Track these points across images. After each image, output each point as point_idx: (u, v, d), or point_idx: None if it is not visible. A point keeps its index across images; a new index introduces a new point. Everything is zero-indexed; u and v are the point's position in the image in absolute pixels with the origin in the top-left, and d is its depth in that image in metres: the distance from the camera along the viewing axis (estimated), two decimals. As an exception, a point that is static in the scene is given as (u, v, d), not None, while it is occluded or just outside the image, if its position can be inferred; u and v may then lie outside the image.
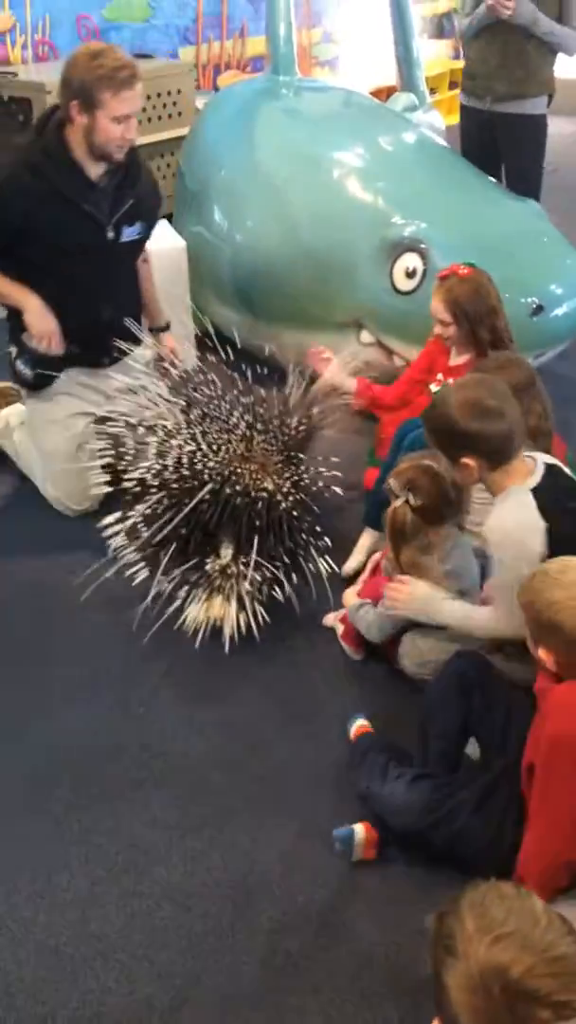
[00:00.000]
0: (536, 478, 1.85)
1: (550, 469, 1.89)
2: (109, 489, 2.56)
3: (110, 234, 2.52)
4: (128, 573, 2.25)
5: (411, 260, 2.96)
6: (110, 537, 2.29)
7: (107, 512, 2.38)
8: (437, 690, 1.87)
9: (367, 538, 2.56)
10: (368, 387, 2.66)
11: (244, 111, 3.85)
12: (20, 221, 2.40)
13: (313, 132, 3.61)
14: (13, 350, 2.65)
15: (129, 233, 2.57)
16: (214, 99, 4.29)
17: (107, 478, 2.56)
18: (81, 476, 2.65)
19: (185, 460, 2.18)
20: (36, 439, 2.77)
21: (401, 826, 1.75)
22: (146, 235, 2.70)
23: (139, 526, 2.22)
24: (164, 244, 3.54)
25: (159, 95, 4.42)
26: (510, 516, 1.84)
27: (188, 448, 2.19)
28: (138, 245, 2.70)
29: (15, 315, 2.56)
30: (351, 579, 2.47)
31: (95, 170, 2.44)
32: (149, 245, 3.48)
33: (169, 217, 4.01)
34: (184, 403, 2.31)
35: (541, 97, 3.59)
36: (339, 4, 6.77)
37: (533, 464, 1.89)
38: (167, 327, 2.84)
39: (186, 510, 2.14)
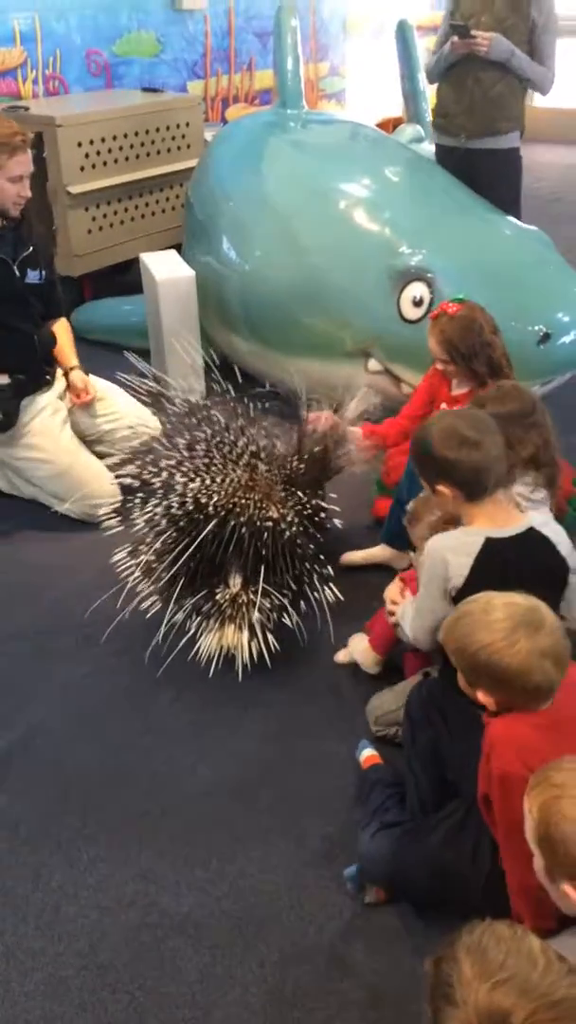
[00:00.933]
0: (506, 531, 1.82)
1: (528, 534, 1.83)
2: (125, 482, 2.57)
3: (16, 273, 2.80)
4: (140, 604, 2.26)
5: (418, 289, 2.99)
6: (122, 571, 2.30)
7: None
8: (407, 721, 1.86)
9: (379, 552, 2.58)
10: (371, 432, 2.65)
11: (252, 143, 3.90)
12: None
13: (320, 164, 3.65)
14: None
15: (31, 276, 2.85)
16: (223, 132, 4.35)
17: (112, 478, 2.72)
18: (85, 471, 2.87)
19: (190, 496, 2.18)
20: (30, 470, 2.92)
21: (370, 878, 1.74)
22: (46, 282, 2.92)
23: (151, 562, 2.24)
24: (173, 273, 3.58)
25: (168, 128, 4.49)
26: (444, 540, 1.84)
27: (192, 485, 2.19)
28: (41, 291, 2.91)
29: None
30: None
31: None
32: (158, 274, 3.55)
33: (178, 247, 4.06)
34: (187, 440, 2.33)
35: (513, 132, 3.60)
36: (345, 38, 6.88)
37: (518, 519, 1.85)
38: (75, 368, 3.03)
39: (192, 547, 2.15)
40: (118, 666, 2.34)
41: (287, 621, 2.21)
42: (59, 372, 3.02)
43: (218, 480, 2.21)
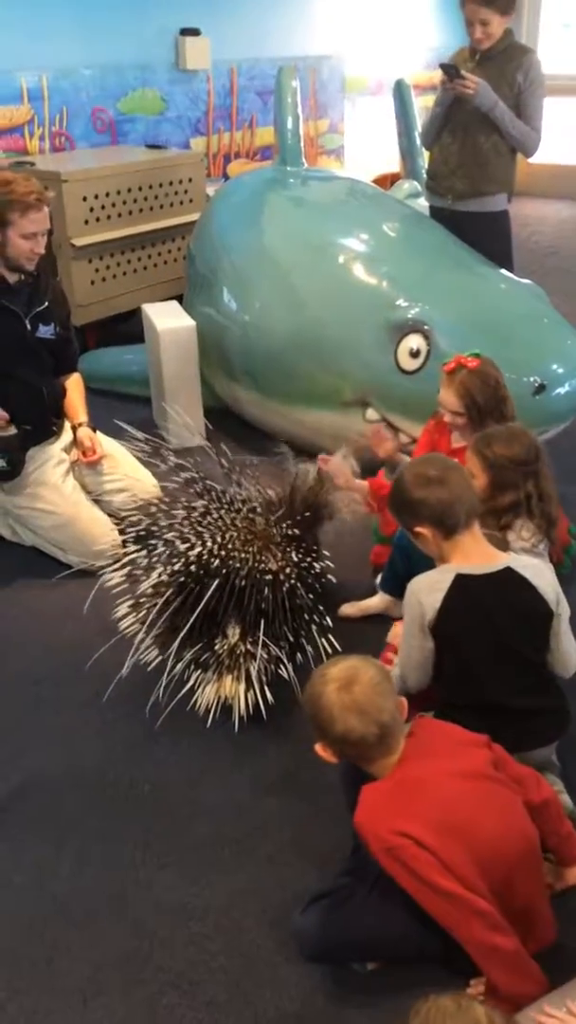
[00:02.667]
0: (480, 569, 1.86)
1: (504, 573, 1.87)
2: (121, 527, 2.69)
3: (28, 327, 2.84)
4: (140, 655, 2.26)
5: (415, 341, 3.04)
6: (123, 625, 2.31)
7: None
8: (340, 780, 1.87)
9: (378, 601, 2.59)
10: (381, 486, 2.62)
11: (253, 199, 3.99)
12: None
13: (319, 219, 3.73)
14: None
15: (43, 331, 2.90)
16: (224, 187, 4.45)
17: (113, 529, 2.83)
18: (89, 523, 2.89)
19: (193, 557, 2.19)
20: (33, 519, 2.94)
21: (305, 955, 1.70)
22: (59, 338, 2.96)
23: (151, 614, 2.24)
24: (174, 323, 3.64)
25: (171, 183, 4.59)
26: (419, 582, 1.90)
27: (193, 552, 2.19)
28: (53, 347, 2.95)
29: None
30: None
31: (11, 277, 2.79)
32: (160, 324, 3.61)
33: (179, 298, 4.13)
34: (186, 502, 2.35)
35: (501, 195, 3.66)
36: (344, 97, 7.07)
37: (495, 558, 1.89)
38: (83, 424, 3.05)
39: (193, 601, 2.17)
40: (116, 716, 2.33)
41: (284, 673, 2.21)
42: (67, 425, 3.05)
43: (218, 539, 2.22)
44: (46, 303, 2.87)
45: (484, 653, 1.87)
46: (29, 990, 1.68)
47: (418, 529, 1.89)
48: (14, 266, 2.76)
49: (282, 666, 2.21)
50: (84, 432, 3.00)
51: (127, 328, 4.49)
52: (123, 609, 2.31)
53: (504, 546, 2.04)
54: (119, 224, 4.32)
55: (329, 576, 2.37)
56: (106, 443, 3.06)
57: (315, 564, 2.33)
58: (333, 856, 1.91)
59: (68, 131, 4.98)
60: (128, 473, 2.99)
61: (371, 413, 3.23)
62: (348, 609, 2.63)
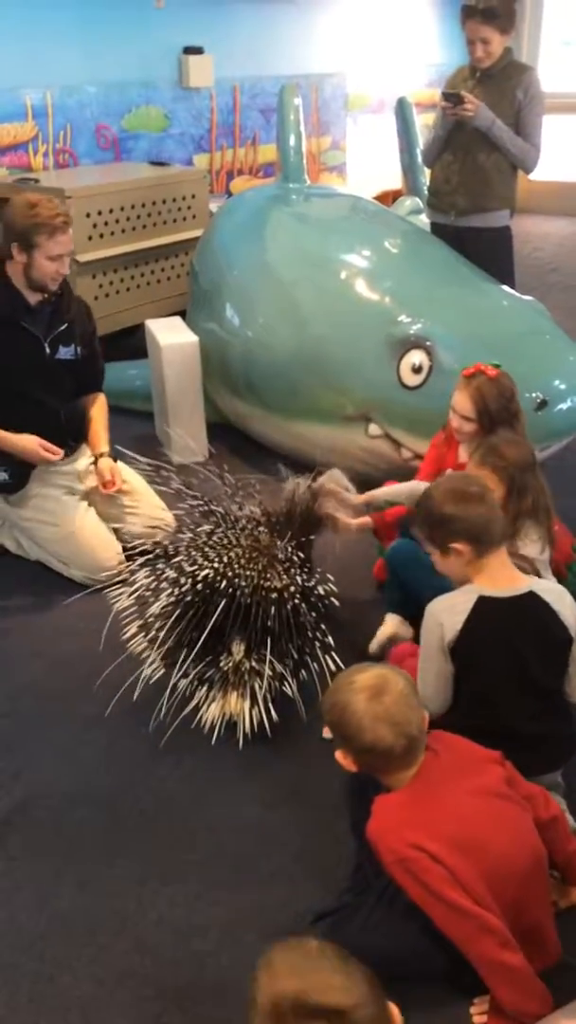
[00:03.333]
0: (503, 592, 1.84)
1: (527, 597, 1.85)
2: (131, 552, 2.66)
3: (47, 350, 2.83)
4: (145, 671, 2.26)
5: (417, 356, 3.05)
6: (129, 642, 2.31)
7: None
8: (348, 798, 1.88)
9: (389, 626, 2.56)
10: (384, 520, 2.63)
11: (256, 215, 4.02)
12: None
13: (321, 235, 3.76)
14: None
15: (64, 352, 2.88)
16: (227, 204, 4.48)
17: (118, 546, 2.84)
18: (91, 538, 2.87)
19: (200, 578, 2.20)
20: (36, 530, 2.93)
21: None
22: (80, 359, 2.93)
23: (158, 631, 2.26)
24: (177, 339, 3.66)
25: (174, 199, 4.62)
26: (439, 603, 1.88)
27: (202, 573, 2.20)
28: (75, 369, 2.93)
29: None
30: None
31: (32, 298, 2.79)
32: (163, 339, 3.62)
33: (182, 314, 4.15)
34: (189, 528, 2.37)
35: (503, 211, 3.69)
36: (346, 114, 7.12)
37: (519, 581, 1.88)
38: (104, 454, 3.00)
39: (199, 618, 2.19)
40: (120, 733, 2.33)
41: (288, 690, 2.21)
42: (85, 450, 3.01)
43: (224, 558, 2.22)
44: (66, 324, 2.86)
45: (502, 678, 1.85)
46: (30, 1007, 1.67)
47: (454, 545, 1.85)
48: (38, 287, 2.75)
49: (286, 683, 2.21)
50: (105, 463, 2.94)
51: (130, 343, 4.51)
52: (132, 629, 2.31)
53: (527, 569, 2.03)
54: (123, 240, 4.35)
55: (332, 599, 2.34)
56: (128, 476, 3.00)
57: (318, 586, 2.33)
58: (336, 874, 1.91)
59: (72, 148, 5.02)
60: (148, 512, 2.93)
61: (373, 428, 3.24)
62: (373, 647, 2.57)
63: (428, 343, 3.04)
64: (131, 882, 1.92)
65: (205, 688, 2.22)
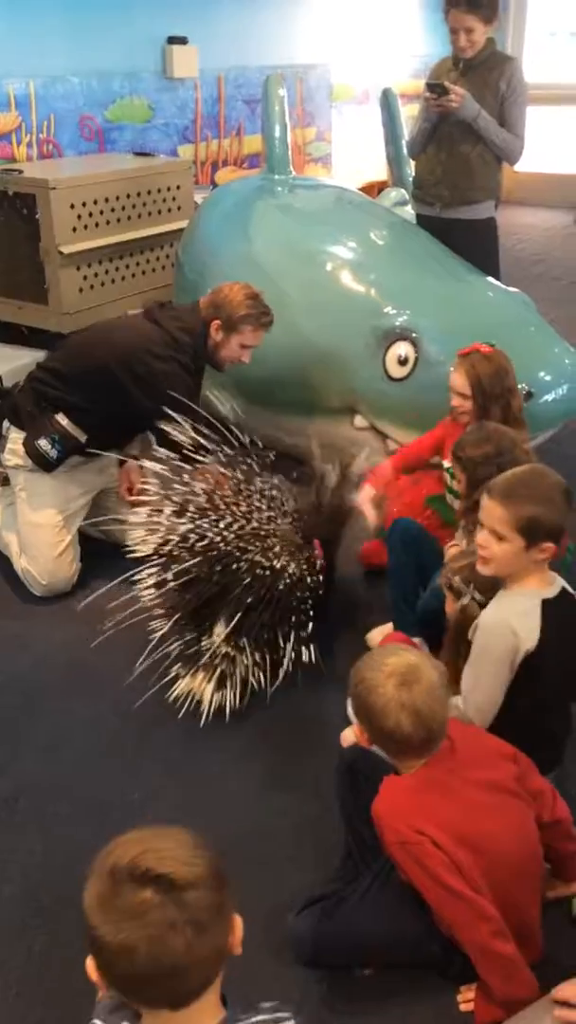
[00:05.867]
0: (551, 592, 1.82)
1: (563, 595, 1.85)
2: (79, 565, 2.77)
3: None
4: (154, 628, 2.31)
5: (403, 348, 3.05)
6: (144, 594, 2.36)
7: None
8: (335, 785, 1.87)
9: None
10: (372, 474, 2.69)
11: (241, 206, 4.00)
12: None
13: (306, 226, 3.74)
14: (34, 433, 2.77)
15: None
16: (212, 195, 4.46)
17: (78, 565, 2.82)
18: (61, 554, 2.81)
19: (205, 540, 2.27)
20: (26, 514, 2.86)
21: (298, 959, 1.69)
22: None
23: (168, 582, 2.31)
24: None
25: (159, 190, 4.59)
26: (503, 611, 1.80)
27: (223, 523, 2.29)
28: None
29: (43, 404, 2.78)
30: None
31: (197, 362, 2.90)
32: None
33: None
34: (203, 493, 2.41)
35: (488, 202, 3.69)
36: (331, 105, 7.10)
37: (553, 579, 1.86)
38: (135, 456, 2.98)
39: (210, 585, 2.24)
40: (106, 724, 2.33)
41: (253, 681, 2.26)
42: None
43: (234, 526, 2.29)
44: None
45: (564, 682, 1.84)
46: (19, 1000, 1.67)
47: (548, 545, 1.77)
48: (214, 362, 2.91)
49: (256, 673, 2.26)
50: (132, 464, 2.93)
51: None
52: (149, 581, 2.34)
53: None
54: (107, 231, 4.32)
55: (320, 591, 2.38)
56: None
57: (313, 579, 2.36)
58: (327, 861, 1.91)
59: (56, 139, 4.98)
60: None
61: (359, 420, 3.25)
62: (374, 637, 2.56)
63: (414, 335, 3.04)
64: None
65: (181, 664, 2.26)
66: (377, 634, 2.50)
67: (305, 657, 2.31)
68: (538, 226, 7.67)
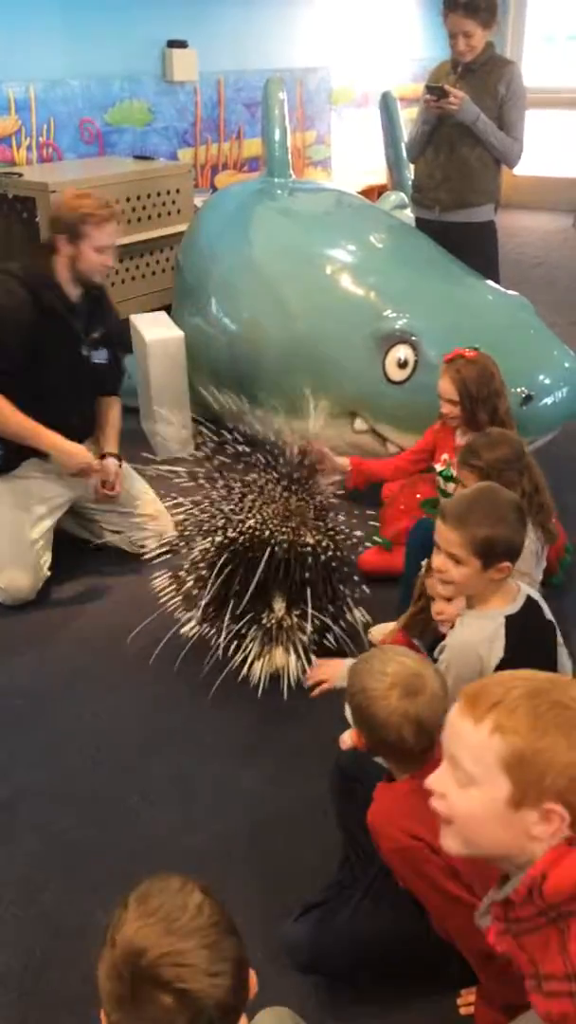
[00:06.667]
0: (516, 606, 1.83)
1: (529, 604, 1.85)
2: (47, 574, 2.78)
3: (84, 351, 2.78)
4: (184, 630, 2.39)
5: (403, 351, 3.05)
6: (163, 598, 2.43)
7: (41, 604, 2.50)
8: (332, 791, 1.87)
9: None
10: (360, 463, 2.78)
11: (241, 210, 4.01)
12: (22, 334, 2.62)
13: (306, 230, 3.75)
14: None
15: (97, 356, 2.83)
16: (212, 198, 4.47)
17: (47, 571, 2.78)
18: (24, 560, 2.74)
19: (232, 531, 2.34)
20: None
21: (295, 966, 1.68)
22: (111, 365, 2.90)
23: (192, 589, 2.39)
24: (162, 334, 3.65)
25: (159, 194, 4.60)
26: (469, 634, 1.81)
27: (249, 523, 2.34)
28: (104, 372, 2.88)
29: None
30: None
31: (74, 293, 2.74)
32: (148, 335, 3.61)
33: (168, 308, 4.14)
34: (225, 481, 2.48)
35: (487, 205, 3.69)
36: (331, 109, 7.11)
37: (518, 591, 1.86)
38: (114, 457, 2.91)
39: (254, 582, 2.30)
40: (107, 728, 2.33)
41: (328, 642, 2.36)
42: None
43: (256, 515, 2.36)
44: (103, 328, 2.81)
45: None
46: (18, 1003, 1.67)
47: (505, 565, 1.78)
48: (84, 279, 2.71)
49: (327, 635, 2.36)
50: (112, 463, 2.85)
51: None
52: (164, 582, 2.42)
53: None
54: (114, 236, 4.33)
55: (366, 544, 2.52)
56: (133, 481, 2.96)
57: (350, 535, 2.46)
58: (323, 867, 1.91)
59: (55, 142, 4.99)
60: (149, 512, 2.86)
61: (359, 423, 3.25)
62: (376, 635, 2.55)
63: (413, 338, 3.05)
64: (117, 879, 1.91)
65: (249, 644, 2.34)
66: (378, 632, 2.50)
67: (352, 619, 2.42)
68: (538, 229, 7.68)
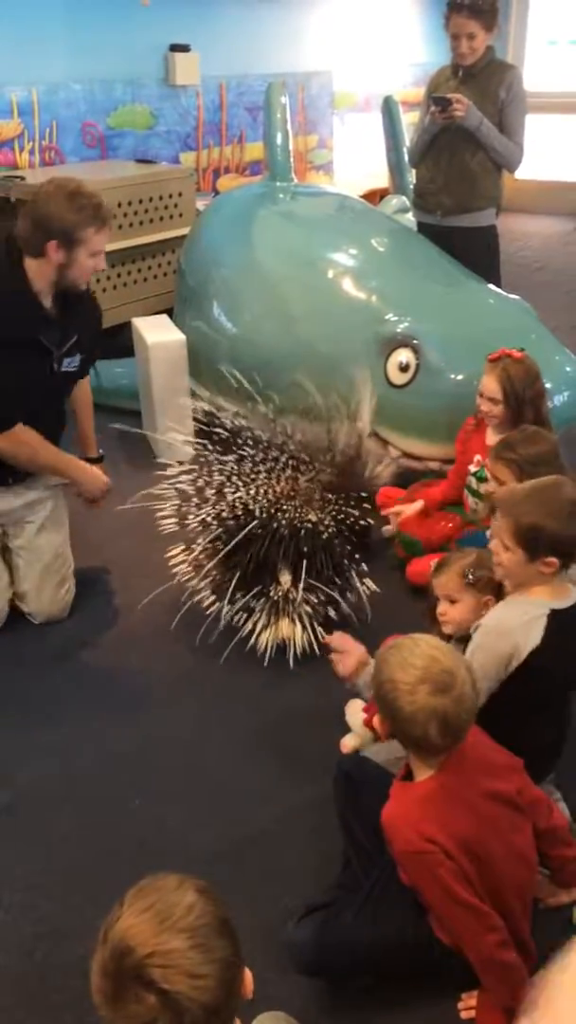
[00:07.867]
0: (565, 603, 1.79)
1: None
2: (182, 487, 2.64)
3: (55, 365, 2.49)
4: (196, 600, 2.48)
5: (404, 355, 3.06)
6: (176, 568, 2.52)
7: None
8: (334, 794, 1.86)
9: None
10: (426, 502, 2.82)
11: (243, 213, 4.01)
12: None
13: (308, 233, 3.76)
14: None
15: (67, 364, 2.54)
16: (214, 202, 4.48)
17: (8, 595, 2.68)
18: None
19: (239, 504, 2.44)
20: None
21: (296, 968, 1.68)
22: (82, 368, 2.65)
23: (203, 559, 2.49)
24: (164, 337, 3.66)
25: (161, 197, 4.61)
26: (509, 618, 1.79)
27: (238, 494, 2.46)
28: (73, 377, 2.65)
29: None
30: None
31: (47, 301, 2.43)
32: (150, 338, 3.61)
33: (169, 312, 4.15)
34: (234, 459, 2.57)
35: (489, 209, 3.70)
36: (333, 113, 7.12)
37: (570, 590, 1.83)
38: (100, 459, 2.82)
39: (238, 537, 2.40)
40: (108, 728, 2.33)
41: (333, 614, 2.45)
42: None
43: (263, 490, 2.47)
44: (77, 336, 2.51)
45: (561, 691, 1.85)
46: (20, 1008, 1.67)
47: (551, 559, 1.74)
48: (68, 287, 2.41)
49: (333, 607, 2.45)
50: (97, 471, 2.70)
51: (117, 342, 4.50)
52: (175, 552, 2.50)
53: None
54: (109, 238, 4.33)
55: (368, 520, 2.58)
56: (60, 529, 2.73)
57: (352, 512, 2.53)
58: (326, 869, 1.91)
59: (58, 145, 5.00)
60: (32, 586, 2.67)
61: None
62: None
63: (415, 341, 3.05)
64: (120, 882, 1.91)
65: (256, 616, 2.43)
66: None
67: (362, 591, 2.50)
68: (540, 233, 7.68)
